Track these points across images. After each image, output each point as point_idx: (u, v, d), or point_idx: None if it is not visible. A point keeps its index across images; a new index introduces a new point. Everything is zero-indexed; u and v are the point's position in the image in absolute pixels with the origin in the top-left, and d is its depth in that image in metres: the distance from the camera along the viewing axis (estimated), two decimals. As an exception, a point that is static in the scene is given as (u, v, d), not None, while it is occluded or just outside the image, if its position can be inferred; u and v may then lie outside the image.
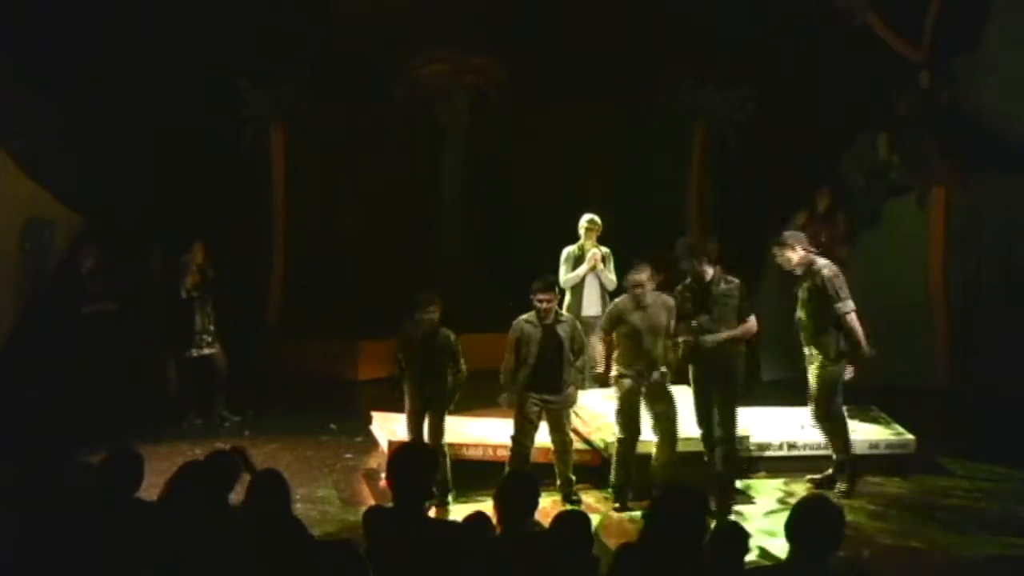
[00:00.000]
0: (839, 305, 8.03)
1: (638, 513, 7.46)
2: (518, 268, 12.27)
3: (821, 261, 8.22)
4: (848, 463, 8.30)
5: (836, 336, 8.10)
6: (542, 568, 4.48)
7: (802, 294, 8.26)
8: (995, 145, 11.23)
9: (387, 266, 12.74)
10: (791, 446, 8.92)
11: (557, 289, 8.17)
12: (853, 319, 8.06)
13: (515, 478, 5.22)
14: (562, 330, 7.94)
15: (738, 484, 8.34)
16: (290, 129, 13.11)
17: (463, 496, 8.02)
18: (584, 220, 9.71)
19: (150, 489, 5.26)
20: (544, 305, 7.85)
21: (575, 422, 8.84)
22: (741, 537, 4.87)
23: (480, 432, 8.94)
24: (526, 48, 12.74)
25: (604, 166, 13.34)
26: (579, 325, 8.28)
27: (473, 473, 8.22)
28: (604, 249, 9.75)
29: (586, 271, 9.64)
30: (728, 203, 13.05)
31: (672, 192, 13.46)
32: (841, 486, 8.23)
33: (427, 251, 13.33)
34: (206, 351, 10.36)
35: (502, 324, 8.37)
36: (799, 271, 8.24)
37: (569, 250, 9.74)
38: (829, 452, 8.53)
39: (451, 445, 8.39)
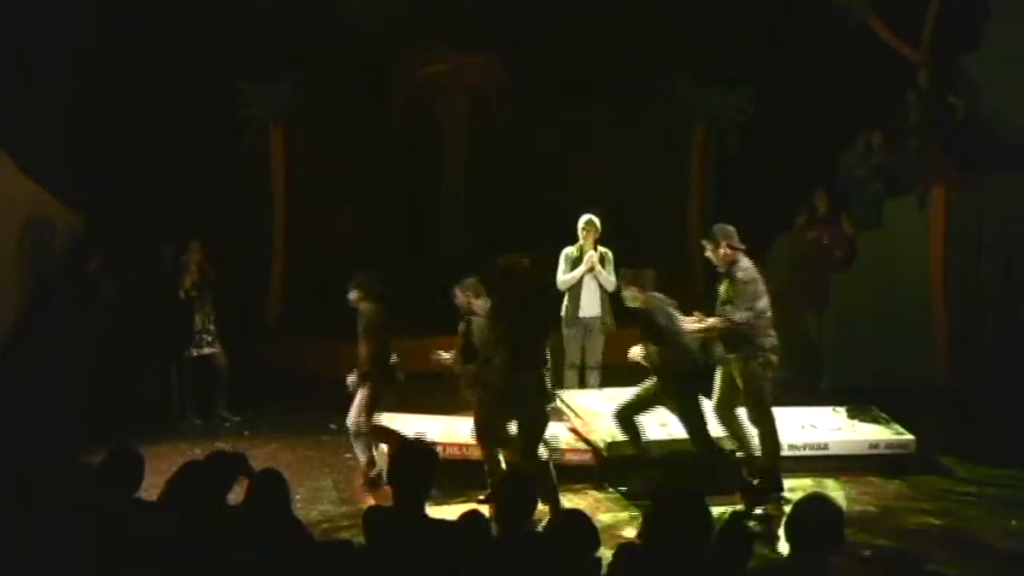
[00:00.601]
0: (738, 310, 7.96)
1: (638, 513, 7.46)
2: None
3: (744, 263, 8.11)
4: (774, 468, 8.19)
5: (753, 332, 8.02)
6: (542, 568, 4.48)
7: (723, 292, 8.19)
8: (995, 145, 11.24)
9: (387, 266, 12.73)
10: (791, 446, 8.92)
11: (472, 289, 8.15)
12: (731, 326, 7.97)
13: (514, 478, 5.22)
14: (469, 326, 8.08)
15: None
16: (290, 129, 13.11)
17: (462, 496, 8.02)
18: (582, 221, 9.71)
19: (150, 489, 5.26)
20: (454, 300, 8.14)
21: (575, 422, 8.86)
22: (745, 538, 4.86)
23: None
24: (526, 48, 12.74)
25: (604, 166, 13.33)
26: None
27: (474, 473, 8.23)
28: (604, 250, 9.75)
29: (582, 272, 9.64)
30: (728, 203, 13.04)
31: (672, 192, 13.46)
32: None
33: (427, 251, 13.33)
34: (206, 351, 10.38)
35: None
36: (722, 268, 8.14)
37: (568, 250, 9.74)
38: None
39: (451, 445, 8.42)
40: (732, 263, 8.08)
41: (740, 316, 7.96)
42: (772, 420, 8.18)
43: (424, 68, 13.16)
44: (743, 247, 8.16)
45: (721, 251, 8.10)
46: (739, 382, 8.10)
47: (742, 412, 8.26)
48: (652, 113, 13.42)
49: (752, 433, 8.21)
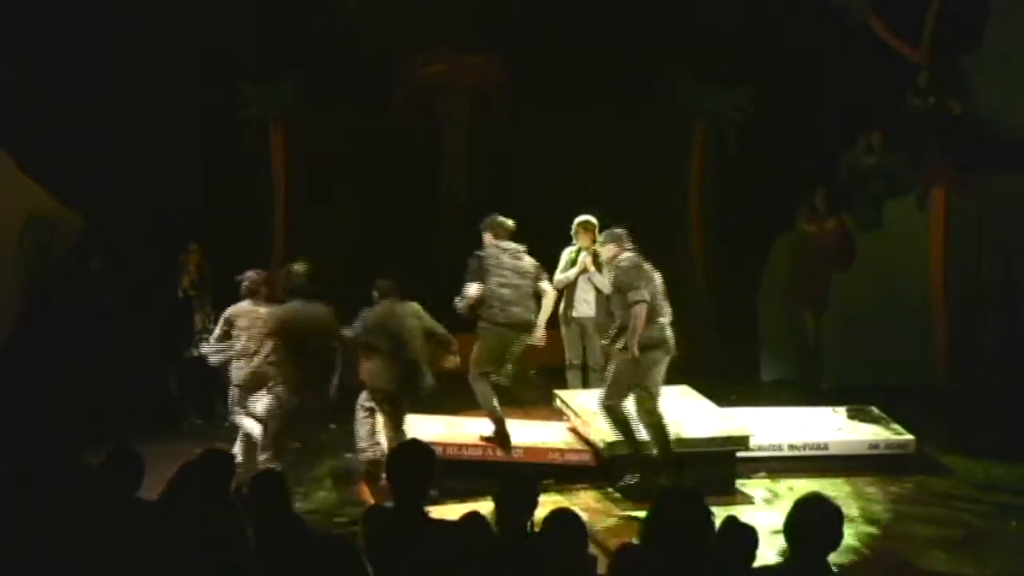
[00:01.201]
0: (631, 294, 8.02)
1: (638, 513, 7.46)
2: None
3: (625, 255, 8.25)
4: (638, 459, 8.21)
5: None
6: (541, 568, 4.48)
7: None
8: (995, 145, 11.23)
9: (387, 266, 12.72)
10: (791, 446, 8.93)
11: (390, 282, 8.67)
12: (640, 310, 7.99)
13: (514, 478, 5.22)
14: None
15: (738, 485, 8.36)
16: (290, 129, 13.10)
17: (461, 496, 8.02)
18: (575, 222, 9.72)
19: (150, 489, 5.26)
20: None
21: (574, 422, 8.86)
22: (750, 537, 4.85)
23: (480, 432, 8.95)
24: (526, 48, 12.73)
25: (604, 166, 13.33)
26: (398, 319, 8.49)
27: (473, 473, 8.23)
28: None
29: (576, 274, 9.66)
30: (728, 203, 13.05)
31: (672, 192, 13.45)
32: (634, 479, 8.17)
33: (427, 251, 13.32)
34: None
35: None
36: (608, 265, 8.39)
37: (569, 250, 9.76)
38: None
39: (451, 445, 8.43)
40: (615, 257, 8.30)
41: (642, 294, 8.00)
42: (624, 415, 8.16)
43: (424, 68, 13.15)
44: (631, 248, 8.34)
45: (610, 252, 8.42)
46: (612, 368, 8.18)
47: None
48: (652, 113, 13.40)
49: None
